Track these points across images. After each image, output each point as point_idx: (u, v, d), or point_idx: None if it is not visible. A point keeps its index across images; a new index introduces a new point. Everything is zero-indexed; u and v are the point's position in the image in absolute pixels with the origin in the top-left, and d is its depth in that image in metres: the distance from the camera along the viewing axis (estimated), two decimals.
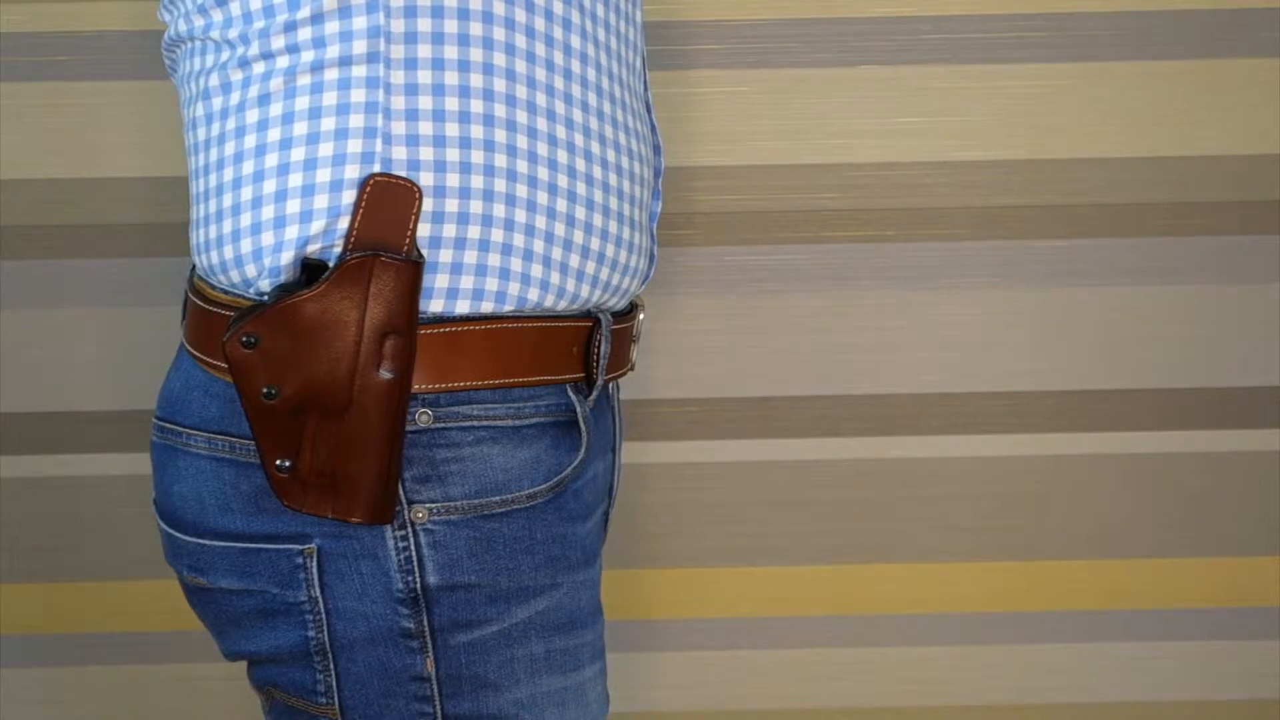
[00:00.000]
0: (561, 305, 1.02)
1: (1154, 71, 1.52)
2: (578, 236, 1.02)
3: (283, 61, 0.97)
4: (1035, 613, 1.64)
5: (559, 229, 1.01)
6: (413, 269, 0.96)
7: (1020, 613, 1.64)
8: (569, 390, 1.04)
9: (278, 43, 0.97)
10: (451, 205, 0.97)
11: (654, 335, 1.56)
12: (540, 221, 1.00)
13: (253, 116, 0.98)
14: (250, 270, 0.98)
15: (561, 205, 1.01)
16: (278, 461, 0.97)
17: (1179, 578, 1.63)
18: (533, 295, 1.01)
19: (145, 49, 1.49)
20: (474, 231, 0.98)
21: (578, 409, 1.04)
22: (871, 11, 1.51)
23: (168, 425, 1.04)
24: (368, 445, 0.97)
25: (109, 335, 1.57)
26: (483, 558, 1.01)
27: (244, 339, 0.96)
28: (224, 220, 0.99)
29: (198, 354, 1.03)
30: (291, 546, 1.01)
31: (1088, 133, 1.53)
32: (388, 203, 0.96)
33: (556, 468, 1.03)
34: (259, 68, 0.98)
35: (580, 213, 1.02)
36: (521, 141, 0.99)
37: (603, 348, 1.06)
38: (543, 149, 1.00)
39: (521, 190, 0.99)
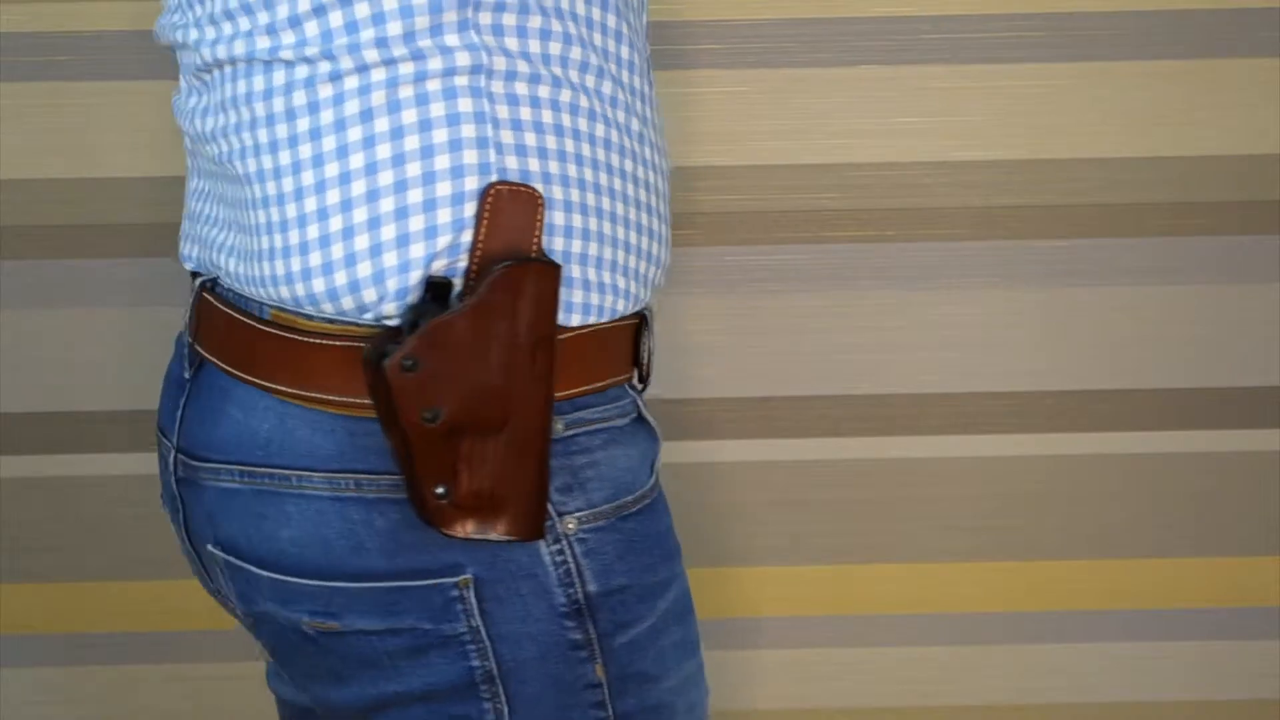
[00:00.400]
0: (627, 308, 1.03)
1: (1154, 71, 1.52)
2: (643, 243, 1.03)
3: (379, 74, 0.94)
4: (1035, 613, 1.64)
5: (631, 238, 1.02)
6: (556, 272, 0.95)
7: (1020, 613, 1.64)
8: (628, 387, 1.05)
9: (371, 55, 0.93)
10: (559, 218, 0.97)
11: (654, 335, 1.56)
12: (620, 232, 1.01)
13: (356, 134, 0.94)
14: (368, 295, 0.94)
15: (632, 214, 1.02)
16: (436, 490, 0.93)
17: (1179, 578, 1.63)
18: (620, 306, 1.01)
19: (145, 49, 1.49)
20: (577, 245, 0.98)
21: (639, 403, 1.05)
22: (871, 11, 1.51)
23: (262, 470, 0.98)
24: (526, 460, 0.95)
25: (109, 335, 1.57)
26: (628, 558, 1.00)
27: (405, 363, 0.91)
28: (331, 245, 0.95)
29: (293, 390, 0.97)
30: (444, 580, 0.97)
31: (1088, 133, 1.53)
32: (512, 211, 0.94)
33: (654, 459, 1.05)
34: (352, 82, 0.94)
35: (643, 218, 1.03)
36: (600, 154, 0.99)
37: (651, 342, 1.07)
38: (615, 159, 1.00)
39: (605, 203, 0.99)
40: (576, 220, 0.98)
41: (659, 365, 1.58)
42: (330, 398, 0.96)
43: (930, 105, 1.52)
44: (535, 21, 0.96)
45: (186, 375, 1.06)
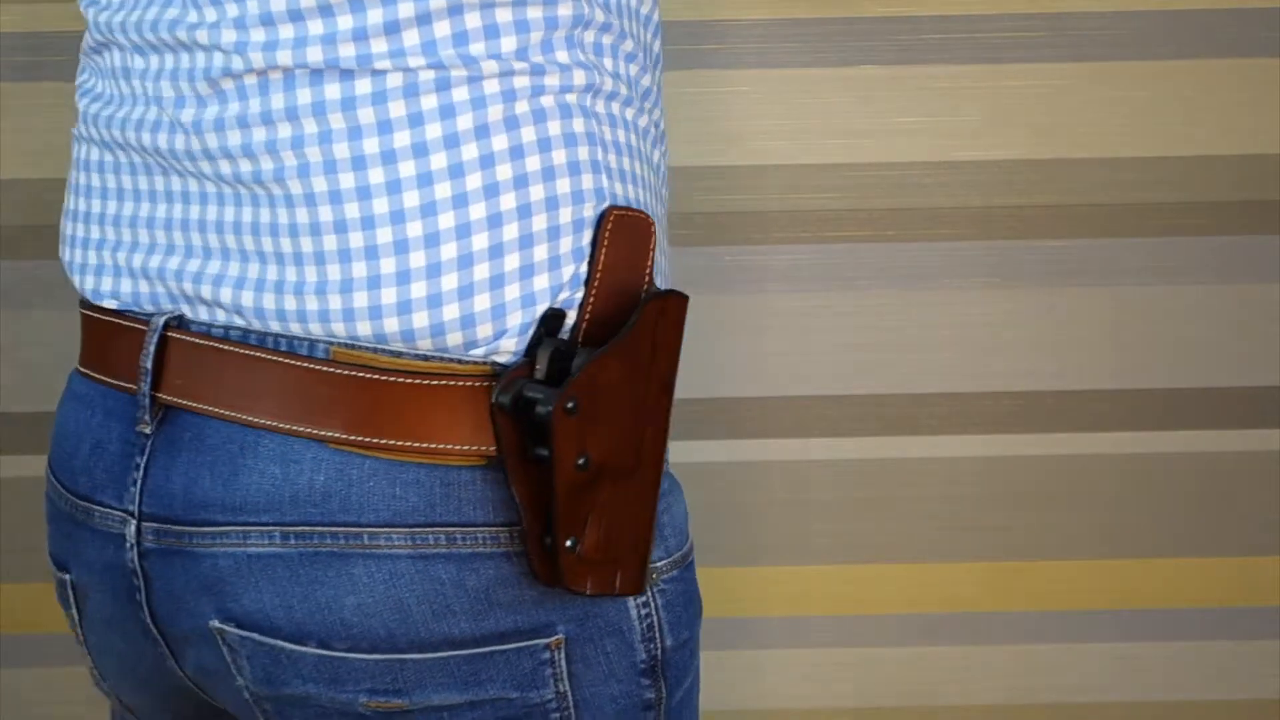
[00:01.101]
0: None
1: (1154, 71, 1.52)
2: (671, 270, 0.99)
3: (493, 86, 0.86)
4: (1035, 613, 1.64)
5: (668, 266, 0.98)
6: (686, 304, 0.90)
7: (1020, 613, 1.64)
8: None
9: (489, 67, 0.86)
10: None
11: None
12: (664, 262, 0.96)
13: (471, 152, 0.85)
14: (483, 330, 0.86)
15: (665, 242, 0.98)
16: (567, 542, 0.86)
17: (1179, 578, 1.63)
18: None
19: None
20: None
21: None
22: (871, 11, 1.51)
23: (321, 529, 0.87)
24: (646, 507, 0.90)
25: None
26: (690, 609, 0.96)
27: (568, 405, 0.84)
28: (442, 275, 0.85)
29: (361, 438, 0.86)
30: (536, 642, 0.89)
31: (1088, 133, 1.53)
32: (628, 239, 0.89)
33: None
34: (461, 93, 0.85)
35: (667, 245, 0.99)
36: (652, 178, 0.95)
37: None
38: (662, 188, 0.97)
39: (661, 232, 0.95)
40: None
41: None
42: (417, 444, 0.86)
43: (930, 105, 1.52)
44: (628, 46, 0.91)
45: (145, 430, 0.92)
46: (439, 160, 0.85)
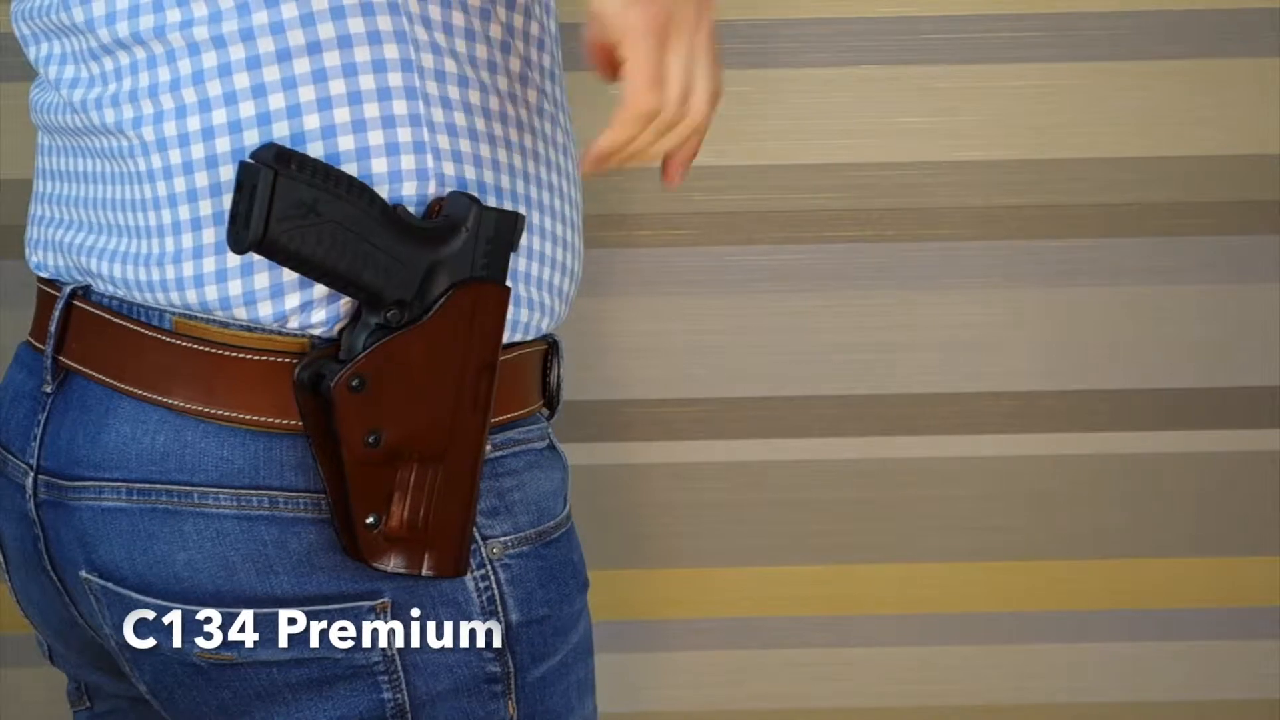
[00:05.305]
0: (550, 326, 0.99)
1: (1154, 71, 1.52)
2: (564, 256, 1.00)
3: (303, 66, 0.90)
4: (1035, 613, 1.64)
5: (558, 253, 0.98)
6: (508, 296, 0.91)
7: (1020, 613, 1.64)
8: (540, 414, 1.02)
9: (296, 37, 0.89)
10: None
11: (653, 335, 1.56)
12: (546, 247, 0.97)
13: (283, 129, 0.89)
14: (291, 300, 0.89)
15: (558, 229, 0.99)
16: (367, 519, 0.89)
17: (1179, 578, 1.63)
18: (545, 324, 0.98)
19: None
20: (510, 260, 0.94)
21: (550, 430, 1.02)
22: (871, 11, 1.51)
23: (157, 486, 0.91)
24: (459, 493, 0.91)
25: None
26: (550, 587, 0.97)
27: (352, 382, 0.87)
28: None
29: (195, 407, 0.91)
30: (360, 604, 0.92)
31: (1088, 133, 1.53)
32: None
33: (568, 487, 1.02)
34: (273, 74, 0.89)
35: (564, 232, 0.99)
36: (530, 166, 0.96)
37: (561, 370, 1.02)
38: (543, 171, 0.97)
39: (535, 216, 0.96)
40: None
41: (661, 364, 1.58)
42: (243, 416, 0.90)
43: (930, 105, 1.52)
44: (458, 19, 0.92)
45: (47, 389, 0.97)
46: (251, 136, 0.88)
